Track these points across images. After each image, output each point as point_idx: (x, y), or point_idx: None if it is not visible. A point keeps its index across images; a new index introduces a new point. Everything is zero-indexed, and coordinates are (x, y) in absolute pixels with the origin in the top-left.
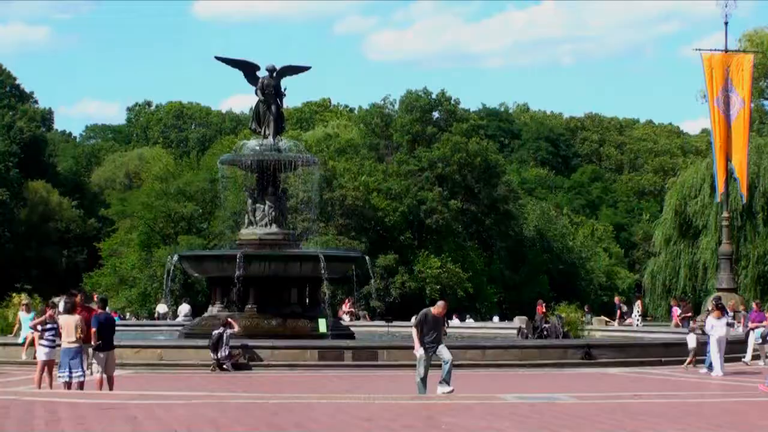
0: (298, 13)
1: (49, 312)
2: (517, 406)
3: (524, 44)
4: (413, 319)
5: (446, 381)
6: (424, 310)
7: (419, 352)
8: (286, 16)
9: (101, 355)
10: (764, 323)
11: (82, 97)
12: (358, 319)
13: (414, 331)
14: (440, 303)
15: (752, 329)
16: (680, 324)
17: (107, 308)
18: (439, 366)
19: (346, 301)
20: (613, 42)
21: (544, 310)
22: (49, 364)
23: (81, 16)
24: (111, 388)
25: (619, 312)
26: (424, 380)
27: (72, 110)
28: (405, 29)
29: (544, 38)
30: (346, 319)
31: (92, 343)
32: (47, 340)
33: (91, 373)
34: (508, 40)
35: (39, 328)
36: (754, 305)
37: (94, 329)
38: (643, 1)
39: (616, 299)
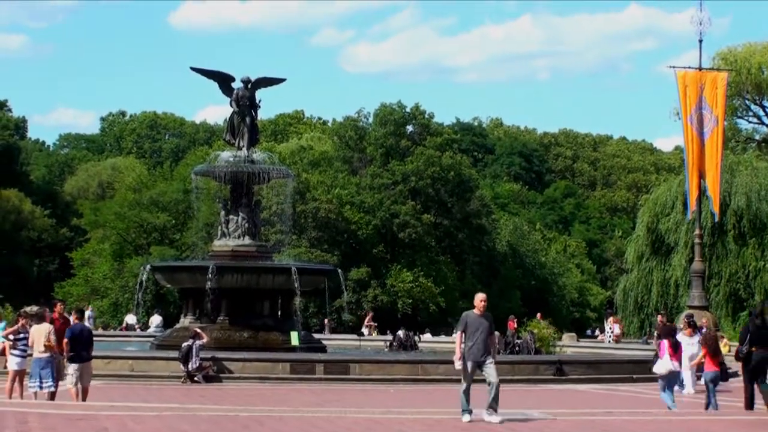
0: (275, 25)
1: (22, 321)
2: (491, 421)
3: (501, 59)
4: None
5: (493, 408)
6: (466, 312)
7: (458, 364)
8: (263, 27)
9: (75, 366)
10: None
11: (57, 106)
12: (378, 333)
13: (456, 338)
14: (479, 296)
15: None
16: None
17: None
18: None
19: (369, 314)
20: (589, 58)
21: (515, 325)
22: (20, 374)
23: (57, 24)
24: (84, 400)
25: None
26: (467, 392)
27: (47, 119)
28: (382, 42)
29: (520, 53)
30: (365, 333)
31: (64, 354)
32: (19, 349)
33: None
34: (485, 55)
35: (11, 337)
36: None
37: (66, 340)
38: (620, 18)
39: (538, 315)
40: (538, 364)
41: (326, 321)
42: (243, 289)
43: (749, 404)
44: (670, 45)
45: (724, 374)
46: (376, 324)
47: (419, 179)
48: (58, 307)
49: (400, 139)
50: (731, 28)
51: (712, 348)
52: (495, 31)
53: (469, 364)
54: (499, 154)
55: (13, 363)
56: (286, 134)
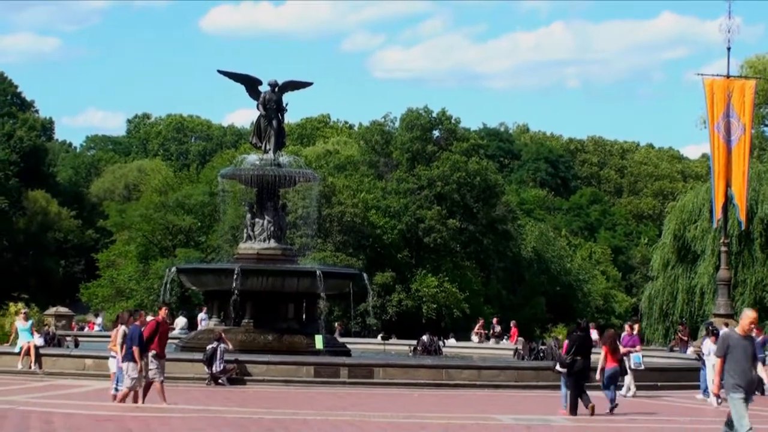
0: (306, 30)
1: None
2: (513, 427)
3: (531, 66)
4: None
5: None
6: (725, 332)
7: (715, 401)
8: (295, 32)
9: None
10: (637, 348)
11: (87, 107)
12: (488, 340)
13: (716, 366)
14: (749, 315)
15: (625, 355)
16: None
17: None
18: None
19: (480, 321)
20: (620, 66)
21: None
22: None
23: (90, 27)
24: (123, 401)
25: (492, 331)
26: None
27: (76, 120)
28: (412, 48)
29: (550, 60)
30: (475, 340)
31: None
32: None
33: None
34: (515, 62)
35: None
36: (627, 328)
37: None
38: (653, 26)
39: (494, 319)
40: None
41: (337, 325)
42: (268, 292)
43: (573, 410)
44: (702, 53)
45: (623, 370)
46: (486, 332)
47: (445, 184)
48: (163, 311)
49: (426, 144)
50: (765, 35)
51: (612, 347)
52: (526, 38)
53: (738, 397)
54: (525, 159)
55: (113, 366)
56: (313, 138)
